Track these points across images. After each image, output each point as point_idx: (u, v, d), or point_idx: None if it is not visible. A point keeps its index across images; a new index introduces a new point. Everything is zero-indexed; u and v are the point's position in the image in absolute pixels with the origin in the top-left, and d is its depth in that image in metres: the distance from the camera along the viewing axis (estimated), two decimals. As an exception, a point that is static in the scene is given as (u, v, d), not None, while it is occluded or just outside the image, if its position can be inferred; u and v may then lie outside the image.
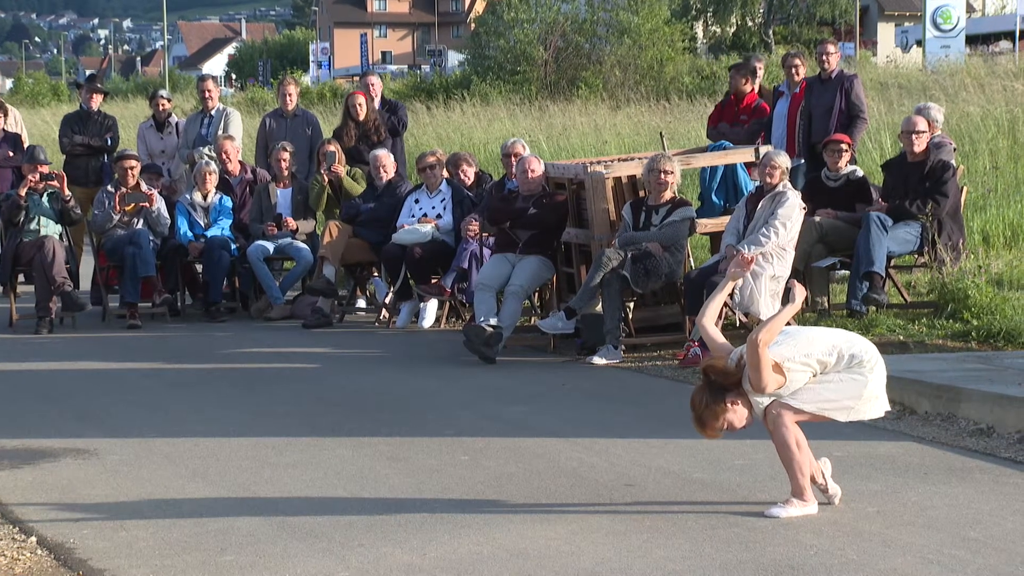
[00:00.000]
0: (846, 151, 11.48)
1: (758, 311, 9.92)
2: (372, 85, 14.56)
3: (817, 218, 11.05)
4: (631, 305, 11.01)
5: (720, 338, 6.43)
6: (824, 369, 6.21)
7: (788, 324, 6.34)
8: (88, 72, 74.14)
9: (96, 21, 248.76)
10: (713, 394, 6.13)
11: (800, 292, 6.38)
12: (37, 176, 12.72)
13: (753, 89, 13.72)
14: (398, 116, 14.57)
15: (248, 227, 13.34)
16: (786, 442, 6.20)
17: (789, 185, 10.55)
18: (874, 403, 6.32)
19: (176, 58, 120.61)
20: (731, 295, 9.76)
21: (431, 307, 12.41)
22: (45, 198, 12.72)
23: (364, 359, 11.00)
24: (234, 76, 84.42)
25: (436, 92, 38.03)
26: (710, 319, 6.46)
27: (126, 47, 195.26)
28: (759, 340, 6.00)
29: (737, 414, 6.15)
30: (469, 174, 12.96)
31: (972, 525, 6.09)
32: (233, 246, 13.09)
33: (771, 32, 61.11)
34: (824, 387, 6.21)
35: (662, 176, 10.64)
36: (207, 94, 14.88)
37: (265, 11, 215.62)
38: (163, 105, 15.05)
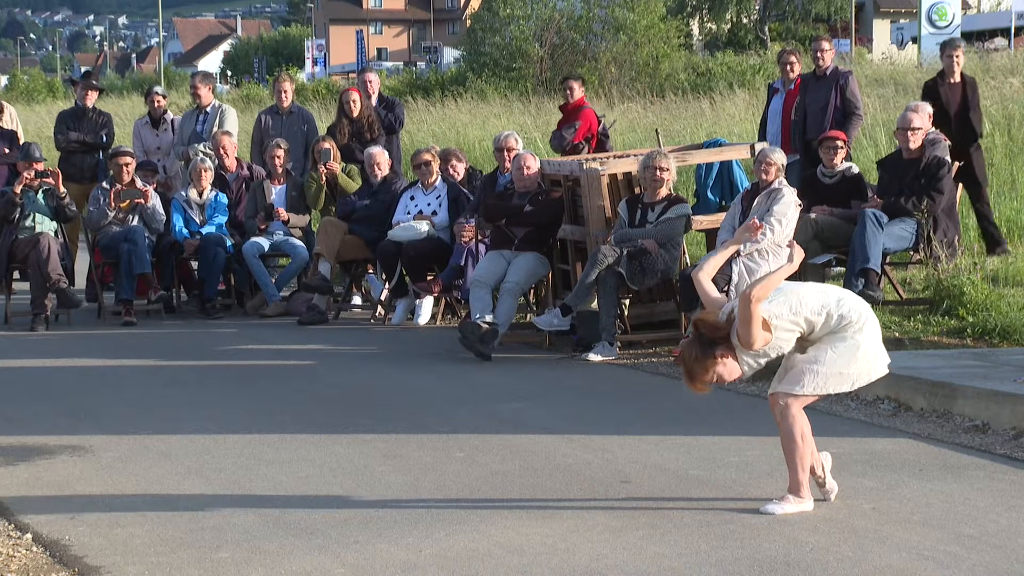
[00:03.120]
0: (842, 148, 11.48)
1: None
2: (369, 82, 14.54)
3: (813, 215, 11.05)
4: (627, 302, 11.01)
5: (714, 292, 6.42)
6: (812, 329, 6.15)
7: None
8: (83, 69, 73.78)
9: (91, 18, 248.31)
10: (703, 347, 6.14)
11: (799, 252, 6.29)
12: (32, 173, 12.71)
13: (581, 97, 14.56)
14: (395, 113, 14.55)
15: (244, 224, 13.33)
16: (791, 434, 6.19)
17: (785, 182, 10.57)
18: (873, 363, 6.25)
19: (171, 55, 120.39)
20: (727, 291, 9.76)
21: (427, 304, 12.40)
22: (40, 195, 12.71)
23: (359, 356, 11.00)
24: (229, 73, 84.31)
25: (432, 89, 37.99)
26: (707, 274, 6.41)
27: (121, 44, 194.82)
28: (752, 296, 5.98)
29: (727, 367, 6.14)
30: (459, 170, 12.95)
31: (967, 522, 6.09)
32: (229, 243, 13.08)
33: (767, 29, 61.16)
34: (818, 365, 6.16)
35: (658, 173, 10.65)
36: (201, 91, 14.85)
37: (261, 8, 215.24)
38: (158, 102, 15.03)
